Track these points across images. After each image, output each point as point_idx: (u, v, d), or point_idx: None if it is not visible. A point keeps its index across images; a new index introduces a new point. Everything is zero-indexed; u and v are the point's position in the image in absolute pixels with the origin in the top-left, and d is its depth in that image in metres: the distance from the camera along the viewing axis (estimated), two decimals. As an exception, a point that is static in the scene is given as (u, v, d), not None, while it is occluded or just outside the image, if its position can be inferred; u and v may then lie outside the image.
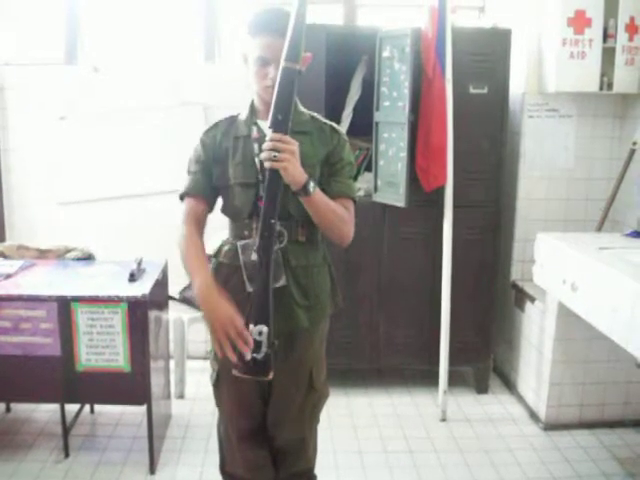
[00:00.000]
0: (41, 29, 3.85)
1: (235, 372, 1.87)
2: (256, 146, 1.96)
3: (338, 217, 1.95)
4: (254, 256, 1.89)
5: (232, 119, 2.07)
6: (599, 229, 3.38)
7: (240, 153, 1.99)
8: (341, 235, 2.00)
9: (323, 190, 1.95)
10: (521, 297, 3.52)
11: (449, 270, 3.21)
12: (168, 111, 3.68)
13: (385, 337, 3.50)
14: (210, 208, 2.08)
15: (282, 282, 1.97)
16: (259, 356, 1.83)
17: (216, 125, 2.07)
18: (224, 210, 2.09)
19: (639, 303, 2.20)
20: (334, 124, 2.08)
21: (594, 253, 2.68)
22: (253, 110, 2.03)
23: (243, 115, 2.04)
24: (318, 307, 2.07)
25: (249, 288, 1.96)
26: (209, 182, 2.04)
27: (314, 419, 2.21)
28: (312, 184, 1.84)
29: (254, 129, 1.99)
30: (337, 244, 2.03)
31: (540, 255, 3.04)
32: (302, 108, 2.04)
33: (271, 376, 1.88)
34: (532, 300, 3.37)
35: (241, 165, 1.98)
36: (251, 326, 1.84)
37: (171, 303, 3.25)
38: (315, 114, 2.07)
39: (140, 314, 2.58)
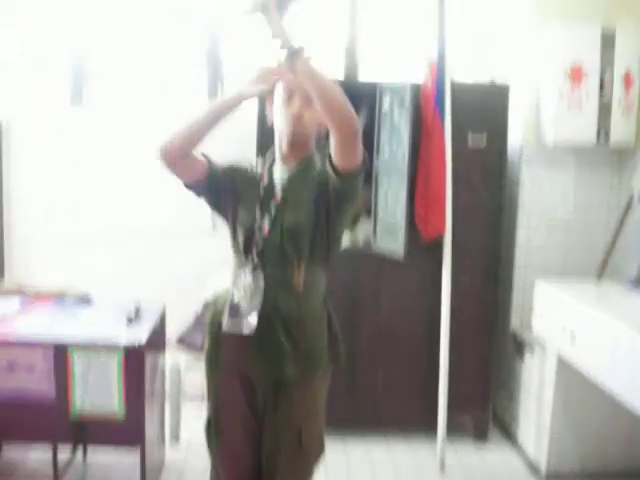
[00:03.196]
0: (47, 70, 3.91)
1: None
2: (262, 189, 2.04)
3: (339, 92, 1.78)
4: (237, 296, 1.97)
5: (251, 166, 2.14)
6: (599, 278, 3.38)
7: (247, 197, 2.05)
8: (346, 111, 1.79)
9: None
10: (520, 346, 3.50)
11: (448, 319, 3.20)
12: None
13: (384, 385, 3.47)
14: (203, 176, 2.04)
15: (248, 331, 1.96)
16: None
17: (235, 165, 2.13)
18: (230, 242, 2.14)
19: (639, 354, 2.20)
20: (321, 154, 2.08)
21: (593, 302, 2.69)
22: (272, 159, 2.09)
23: (261, 163, 2.12)
24: (310, 360, 2.03)
25: (225, 327, 1.99)
26: (216, 176, 2.06)
27: (306, 475, 2.13)
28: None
29: (266, 174, 2.07)
30: (343, 132, 1.82)
31: (539, 303, 3.04)
32: (316, 158, 2.08)
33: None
34: (531, 349, 3.35)
35: (246, 208, 2.05)
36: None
37: (168, 346, 3.23)
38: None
39: (137, 360, 2.56)
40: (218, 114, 1.94)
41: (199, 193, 2.09)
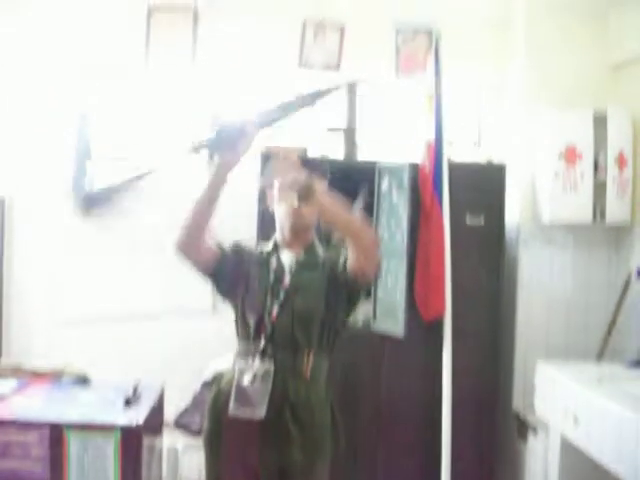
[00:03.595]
0: (50, 149, 3.99)
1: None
2: (272, 275, 2.07)
3: (351, 214, 1.98)
4: (246, 380, 1.94)
5: (256, 249, 2.19)
6: (600, 357, 3.36)
7: (256, 281, 2.09)
8: (362, 232, 1.95)
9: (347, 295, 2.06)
10: (523, 427, 3.44)
11: (449, 399, 3.16)
12: (170, 234, 3.74)
13: (385, 468, 3.39)
14: (213, 263, 2.09)
15: (260, 414, 1.96)
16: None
17: (241, 246, 2.18)
18: (235, 325, 2.14)
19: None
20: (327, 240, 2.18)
21: (595, 384, 2.66)
22: (275, 244, 2.13)
23: (266, 247, 2.14)
24: (316, 446, 2.03)
25: (232, 410, 1.97)
26: (226, 260, 2.10)
27: None
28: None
29: (274, 259, 2.10)
30: (362, 246, 1.95)
31: (541, 385, 3.01)
32: (317, 244, 2.15)
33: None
34: (534, 431, 3.29)
35: (254, 292, 2.08)
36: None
37: (166, 428, 3.18)
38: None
39: (134, 442, 2.51)
40: (212, 193, 2.00)
41: (210, 277, 2.13)
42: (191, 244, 2.03)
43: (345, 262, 2.02)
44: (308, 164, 2.05)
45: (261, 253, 2.15)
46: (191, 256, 2.06)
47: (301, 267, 2.08)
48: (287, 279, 2.06)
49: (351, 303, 2.11)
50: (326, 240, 2.16)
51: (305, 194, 1.89)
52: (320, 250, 2.12)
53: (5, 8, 3.56)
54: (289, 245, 2.09)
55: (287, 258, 2.10)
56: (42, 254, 3.79)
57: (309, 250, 2.11)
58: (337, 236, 2.17)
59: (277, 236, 2.12)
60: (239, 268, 2.12)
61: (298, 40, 3.71)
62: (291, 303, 2.04)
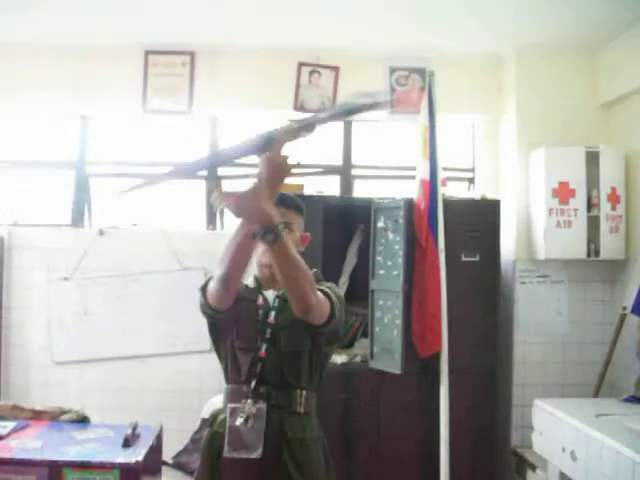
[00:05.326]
0: (50, 191, 4.06)
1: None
2: (260, 312, 2.06)
3: (303, 273, 1.84)
4: (239, 421, 1.93)
5: (245, 286, 2.14)
6: (596, 394, 3.37)
7: (245, 318, 2.06)
8: (304, 293, 1.85)
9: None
10: (522, 464, 3.43)
11: (447, 437, 3.14)
12: (168, 275, 3.78)
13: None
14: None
15: (256, 454, 1.93)
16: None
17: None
18: (225, 369, 2.11)
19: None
20: None
21: (592, 420, 2.67)
22: (257, 281, 2.13)
23: (250, 283, 2.14)
24: None
25: (226, 452, 1.96)
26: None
27: None
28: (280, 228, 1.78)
29: (260, 297, 2.09)
30: (298, 306, 1.88)
31: (538, 422, 3.02)
32: None
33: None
34: (533, 468, 3.28)
35: (245, 331, 2.05)
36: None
37: (164, 468, 3.16)
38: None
39: (132, 481, 2.51)
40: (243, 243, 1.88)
41: (219, 317, 2.05)
42: (233, 281, 1.92)
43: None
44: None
45: (247, 287, 2.13)
46: (229, 295, 1.94)
47: (284, 302, 2.05)
48: (272, 315, 2.06)
49: (331, 341, 2.08)
50: None
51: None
52: None
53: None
54: (269, 283, 2.10)
55: (270, 294, 2.10)
56: (40, 294, 3.81)
57: None
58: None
59: (257, 274, 2.13)
60: (235, 307, 2.06)
61: (293, 83, 3.78)
62: (278, 340, 2.03)
